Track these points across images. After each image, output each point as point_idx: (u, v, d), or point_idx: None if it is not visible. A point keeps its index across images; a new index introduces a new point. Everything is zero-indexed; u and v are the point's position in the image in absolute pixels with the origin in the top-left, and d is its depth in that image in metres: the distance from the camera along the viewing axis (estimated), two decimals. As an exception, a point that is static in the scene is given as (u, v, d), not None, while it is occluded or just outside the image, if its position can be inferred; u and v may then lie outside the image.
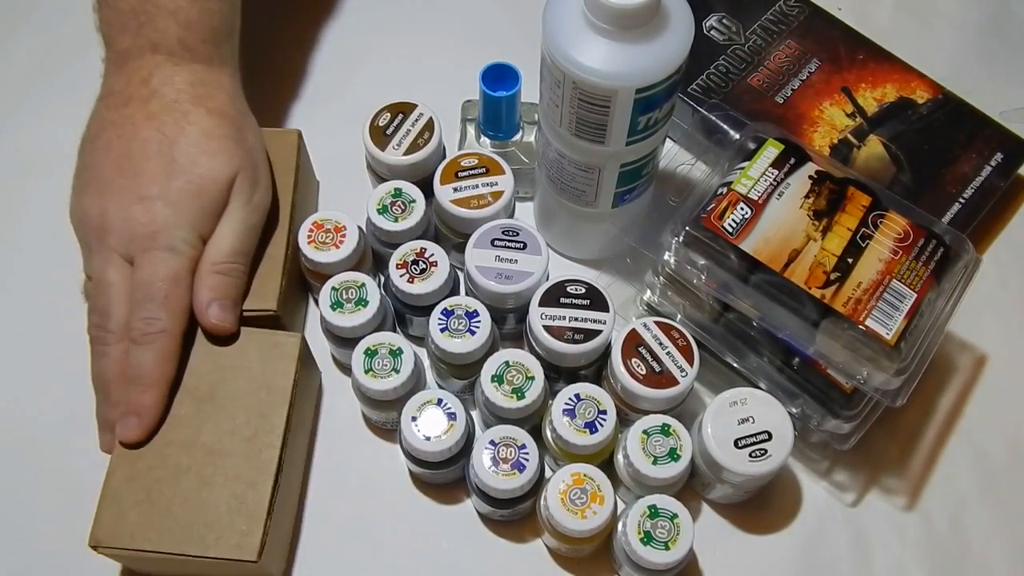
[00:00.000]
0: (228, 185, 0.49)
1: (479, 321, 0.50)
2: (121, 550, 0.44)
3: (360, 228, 0.53)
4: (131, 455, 0.46)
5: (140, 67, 0.49)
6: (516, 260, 0.51)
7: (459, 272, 0.55)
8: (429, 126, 0.56)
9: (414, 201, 0.54)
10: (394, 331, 0.55)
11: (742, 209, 0.49)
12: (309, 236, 0.52)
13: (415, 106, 0.56)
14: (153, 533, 0.44)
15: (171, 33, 0.50)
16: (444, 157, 0.57)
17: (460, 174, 0.54)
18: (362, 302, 0.51)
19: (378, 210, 0.53)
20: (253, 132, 0.52)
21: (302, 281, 0.55)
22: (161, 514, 0.45)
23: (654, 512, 0.46)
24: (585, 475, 0.47)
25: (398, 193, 0.54)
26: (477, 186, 0.54)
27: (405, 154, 0.55)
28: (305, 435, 0.53)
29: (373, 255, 0.56)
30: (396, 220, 0.53)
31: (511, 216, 0.56)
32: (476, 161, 0.55)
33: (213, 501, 0.45)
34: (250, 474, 0.46)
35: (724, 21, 0.66)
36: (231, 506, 0.45)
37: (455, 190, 0.54)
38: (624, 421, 0.50)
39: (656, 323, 0.50)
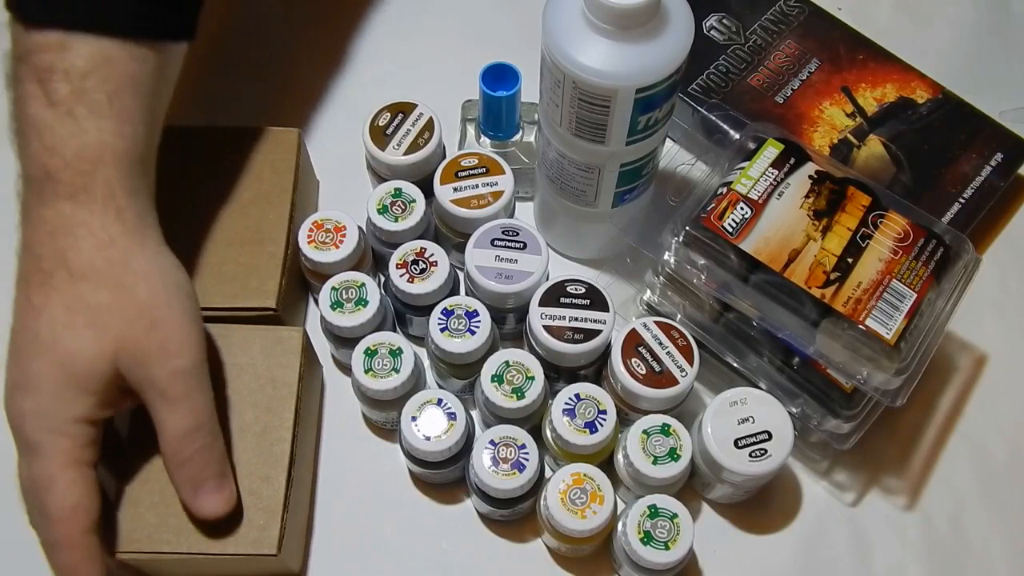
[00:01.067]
0: (107, 362, 0.41)
1: (479, 321, 0.50)
2: (140, 554, 0.44)
3: (360, 228, 0.53)
4: (142, 459, 0.46)
5: (22, 206, 0.42)
6: (516, 260, 0.51)
7: (459, 272, 0.55)
8: (429, 126, 0.56)
9: (414, 201, 0.54)
10: (394, 331, 0.55)
11: (742, 209, 0.49)
12: (309, 236, 0.52)
13: (415, 106, 0.56)
14: (171, 535, 0.44)
15: (38, 159, 0.41)
16: (444, 157, 0.57)
17: (460, 174, 0.54)
18: (362, 302, 0.51)
19: (378, 210, 0.53)
20: (146, 284, 0.42)
21: (302, 280, 0.55)
22: (177, 515, 0.45)
23: (654, 512, 0.46)
24: (585, 475, 0.47)
25: (398, 193, 0.54)
26: (477, 186, 0.54)
27: (405, 154, 0.55)
28: (312, 428, 0.53)
29: (373, 255, 0.56)
30: (396, 220, 0.53)
31: (511, 216, 0.56)
32: (476, 161, 0.55)
33: None
34: (263, 469, 0.46)
35: (724, 21, 0.66)
36: (247, 502, 0.45)
37: (455, 190, 0.54)
38: (624, 421, 0.50)
39: (656, 323, 0.50)
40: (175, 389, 0.42)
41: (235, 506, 0.44)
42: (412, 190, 0.54)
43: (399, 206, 0.54)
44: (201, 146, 0.54)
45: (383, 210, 0.53)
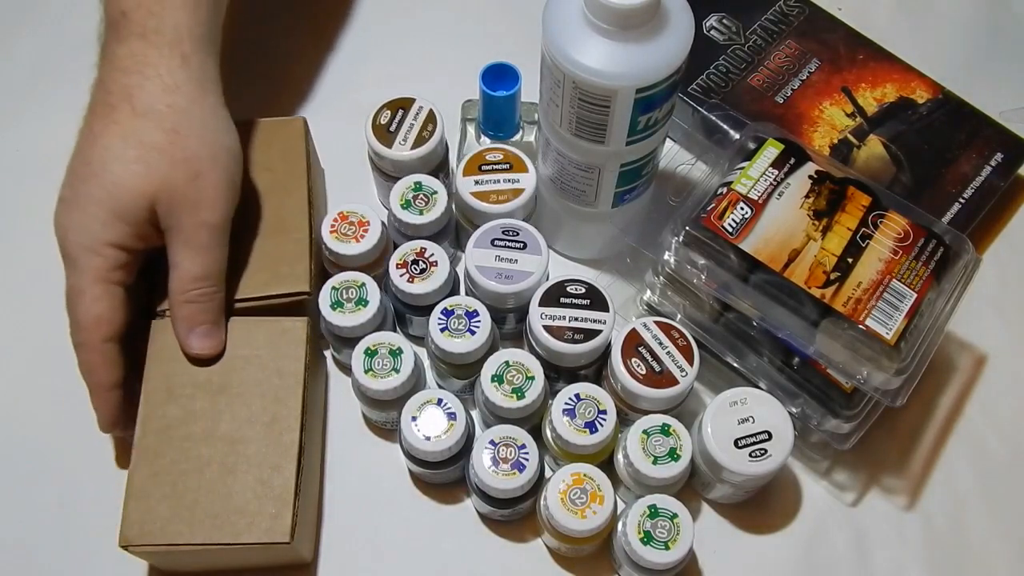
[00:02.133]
0: (147, 198, 0.45)
1: (479, 321, 0.50)
2: (152, 547, 0.44)
3: (383, 223, 0.53)
4: (151, 452, 0.46)
5: (101, 46, 0.47)
6: (516, 260, 0.51)
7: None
8: (431, 118, 0.56)
9: (435, 192, 0.54)
10: (394, 331, 0.55)
11: (742, 209, 0.49)
12: (332, 226, 0.52)
13: (413, 100, 0.56)
14: (183, 526, 0.44)
15: (116, 2, 0.46)
16: (447, 149, 0.57)
17: (483, 167, 0.54)
18: (362, 302, 0.51)
19: (402, 205, 0.53)
20: (198, 136, 0.46)
21: (324, 271, 0.55)
22: (189, 506, 0.45)
23: (654, 512, 0.46)
24: (585, 475, 0.47)
25: (419, 187, 0.54)
26: (498, 181, 0.54)
27: (412, 148, 0.55)
28: (319, 417, 0.53)
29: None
30: (421, 213, 0.53)
31: (531, 214, 0.56)
32: (501, 156, 0.55)
33: (239, 488, 0.45)
34: (273, 458, 0.46)
35: (724, 21, 0.66)
36: (258, 491, 0.45)
37: (476, 182, 0.54)
38: (624, 421, 0.50)
39: (656, 323, 0.50)
40: (197, 238, 0.46)
41: (219, 352, 0.48)
42: (432, 182, 0.54)
43: (422, 199, 0.54)
44: None
45: (407, 205, 0.53)
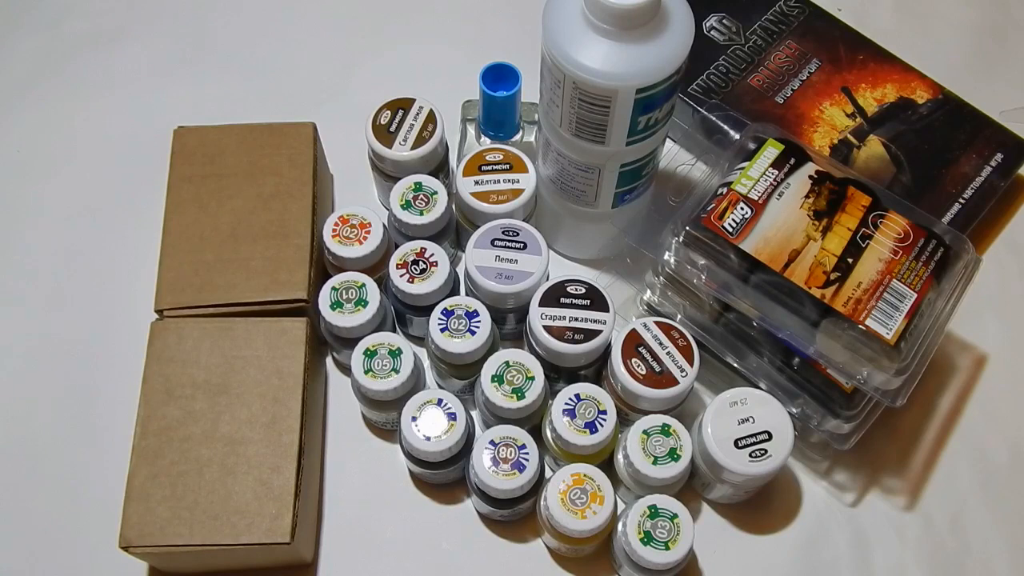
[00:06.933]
0: None
1: (479, 321, 0.50)
2: (152, 548, 0.44)
3: (384, 225, 0.53)
4: (151, 453, 0.46)
5: None
6: (516, 260, 0.51)
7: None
8: (431, 118, 0.56)
9: (435, 192, 0.54)
10: (394, 331, 0.55)
11: (742, 209, 0.49)
12: (334, 230, 0.52)
13: (413, 100, 0.56)
14: (183, 527, 0.45)
15: None
16: (447, 149, 0.57)
17: (483, 167, 0.54)
18: (362, 302, 0.51)
19: (402, 206, 0.53)
20: None
21: (326, 275, 0.56)
22: (189, 507, 0.45)
23: (654, 512, 0.46)
24: (585, 475, 0.47)
25: (419, 187, 0.54)
26: (498, 181, 0.54)
27: (413, 148, 0.55)
28: (319, 417, 0.53)
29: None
30: (421, 213, 0.53)
31: (531, 214, 0.56)
32: (501, 156, 0.55)
33: (239, 489, 0.45)
34: (273, 459, 0.46)
35: (724, 21, 0.66)
36: (258, 492, 0.45)
37: (476, 183, 0.54)
38: (624, 421, 0.50)
39: (656, 323, 0.50)
40: None
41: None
42: (432, 182, 0.54)
43: (422, 199, 0.54)
44: (219, 144, 0.55)
45: (407, 205, 0.53)
